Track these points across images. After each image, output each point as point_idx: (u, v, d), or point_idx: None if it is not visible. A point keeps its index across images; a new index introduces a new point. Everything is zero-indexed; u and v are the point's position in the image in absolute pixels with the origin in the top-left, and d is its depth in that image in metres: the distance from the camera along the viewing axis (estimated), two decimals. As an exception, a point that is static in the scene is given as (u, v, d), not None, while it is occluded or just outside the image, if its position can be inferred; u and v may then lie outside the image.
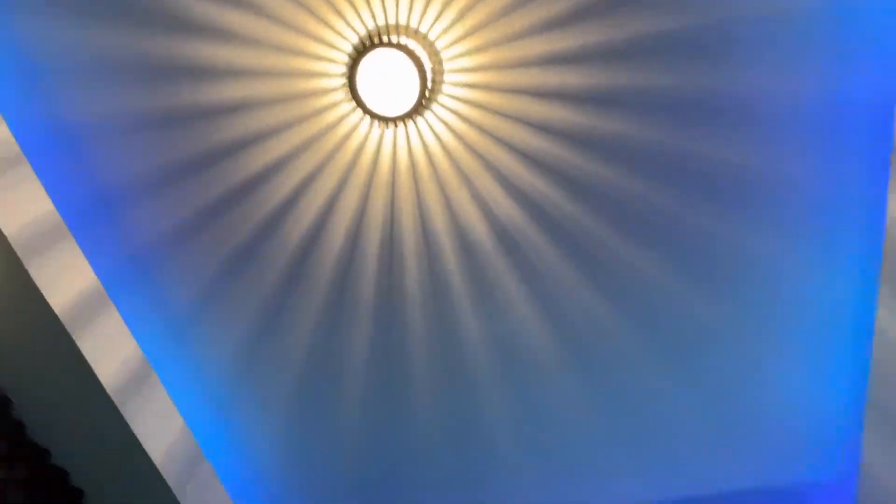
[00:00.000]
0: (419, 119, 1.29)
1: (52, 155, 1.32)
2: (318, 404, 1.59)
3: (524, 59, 1.23)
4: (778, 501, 1.69)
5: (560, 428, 1.60)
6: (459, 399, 1.56)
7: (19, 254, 1.19)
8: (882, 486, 1.46)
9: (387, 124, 1.30)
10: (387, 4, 1.20)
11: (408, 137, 1.31)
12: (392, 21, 1.23)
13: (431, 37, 1.24)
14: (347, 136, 1.32)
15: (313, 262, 1.45)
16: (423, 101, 1.27)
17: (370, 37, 1.24)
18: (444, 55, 1.25)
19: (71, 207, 1.40)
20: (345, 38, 1.25)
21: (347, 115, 1.31)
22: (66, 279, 1.31)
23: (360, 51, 1.24)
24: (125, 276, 1.47)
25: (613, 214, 1.34)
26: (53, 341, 1.27)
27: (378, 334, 1.51)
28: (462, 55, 1.25)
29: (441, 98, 1.28)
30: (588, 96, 1.24)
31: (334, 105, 1.30)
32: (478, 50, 1.23)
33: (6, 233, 1.17)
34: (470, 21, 1.20)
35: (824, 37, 1.15)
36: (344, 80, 1.28)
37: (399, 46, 1.23)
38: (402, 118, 1.29)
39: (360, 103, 1.28)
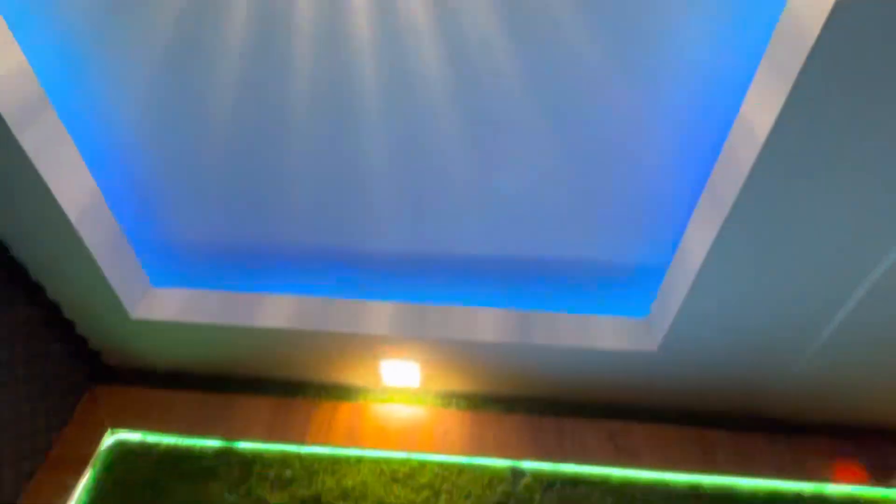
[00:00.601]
0: None
1: None
2: (186, 76, 1.45)
3: None
4: (602, 273, 1.84)
5: (429, 155, 1.58)
6: (335, 73, 1.41)
7: None
8: (689, 265, 1.60)
9: None
10: None
11: None
12: None
13: None
14: None
15: None
16: None
17: None
18: None
19: None
20: None
21: None
22: None
23: None
24: None
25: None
26: None
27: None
28: None
29: None
30: None
31: None
32: None
33: None
34: None
35: None
36: None
37: None
38: None
39: None
